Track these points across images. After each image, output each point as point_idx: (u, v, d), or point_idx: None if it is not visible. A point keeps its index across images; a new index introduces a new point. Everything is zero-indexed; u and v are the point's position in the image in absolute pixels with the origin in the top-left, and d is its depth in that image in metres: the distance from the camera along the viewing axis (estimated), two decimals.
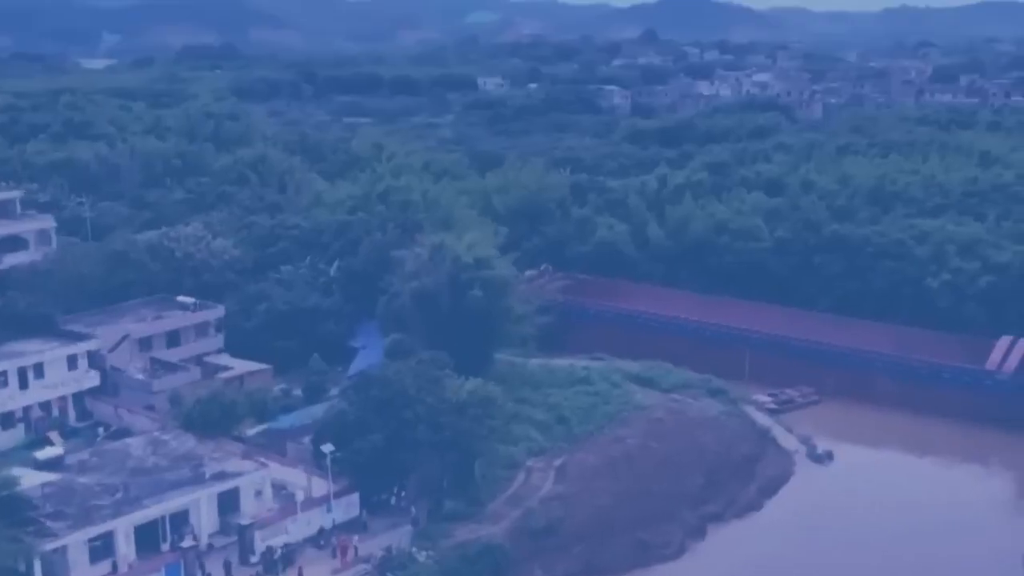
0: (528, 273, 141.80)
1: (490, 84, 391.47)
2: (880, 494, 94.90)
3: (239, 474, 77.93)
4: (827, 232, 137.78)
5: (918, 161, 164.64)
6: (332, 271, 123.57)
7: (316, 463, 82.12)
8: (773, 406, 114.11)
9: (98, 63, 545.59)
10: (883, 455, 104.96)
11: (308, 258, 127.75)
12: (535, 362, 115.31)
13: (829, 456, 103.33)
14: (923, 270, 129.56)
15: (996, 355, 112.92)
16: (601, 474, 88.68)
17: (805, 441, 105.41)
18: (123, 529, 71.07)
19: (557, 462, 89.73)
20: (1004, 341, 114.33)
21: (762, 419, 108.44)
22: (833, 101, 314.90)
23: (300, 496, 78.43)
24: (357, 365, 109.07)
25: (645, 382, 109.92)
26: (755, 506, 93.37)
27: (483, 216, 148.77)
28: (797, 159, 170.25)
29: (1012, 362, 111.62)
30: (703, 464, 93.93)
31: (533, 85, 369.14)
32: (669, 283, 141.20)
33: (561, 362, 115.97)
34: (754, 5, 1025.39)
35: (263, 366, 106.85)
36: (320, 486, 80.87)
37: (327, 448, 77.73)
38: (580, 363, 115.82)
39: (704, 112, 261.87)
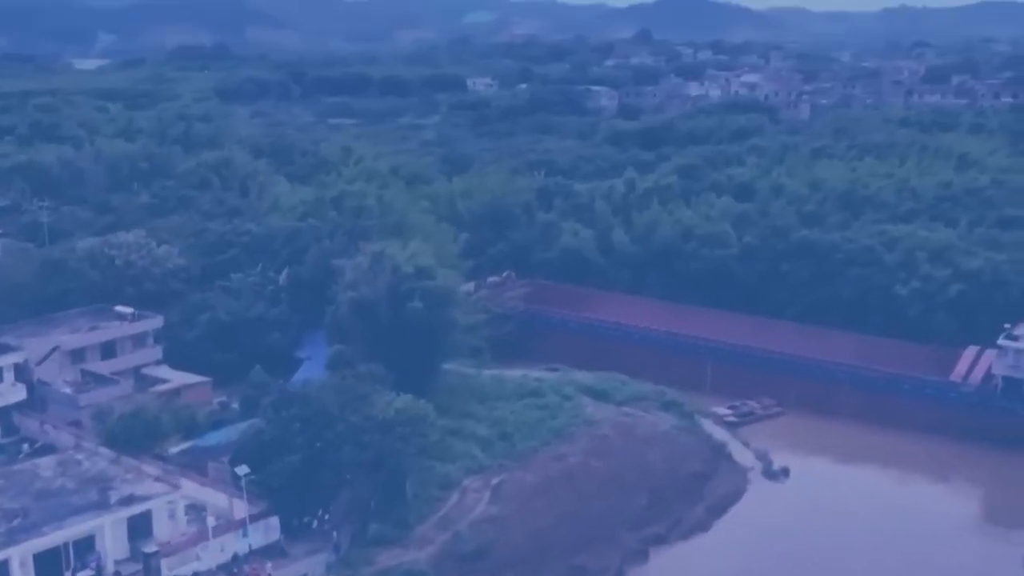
0: (490, 279, 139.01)
1: (479, 84, 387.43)
2: (835, 511, 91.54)
3: (148, 497, 74.28)
4: (795, 238, 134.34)
5: (894, 164, 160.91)
6: (281, 279, 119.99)
7: (237, 484, 78.42)
8: (733, 419, 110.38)
9: (90, 63, 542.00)
10: (842, 470, 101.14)
11: (260, 266, 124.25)
12: (489, 373, 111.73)
13: (785, 472, 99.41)
14: (892, 277, 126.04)
15: (961, 366, 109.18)
16: (539, 494, 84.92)
17: (762, 456, 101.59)
18: (19, 557, 67.40)
19: (494, 481, 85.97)
20: (970, 351, 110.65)
21: (718, 433, 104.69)
22: (824, 102, 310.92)
23: (212, 521, 74.70)
24: (300, 377, 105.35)
25: (598, 395, 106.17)
26: (702, 527, 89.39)
27: (446, 221, 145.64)
28: (770, 163, 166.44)
29: (978, 373, 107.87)
30: (648, 483, 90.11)
31: (523, 85, 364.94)
32: (635, 290, 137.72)
33: (515, 373, 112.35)
34: (753, 5, 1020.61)
35: (202, 378, 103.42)
36: (242, 508, 77.28)
37: (241, 470, 74.13)
38: (534, 374, 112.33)
39: (688, 113, 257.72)
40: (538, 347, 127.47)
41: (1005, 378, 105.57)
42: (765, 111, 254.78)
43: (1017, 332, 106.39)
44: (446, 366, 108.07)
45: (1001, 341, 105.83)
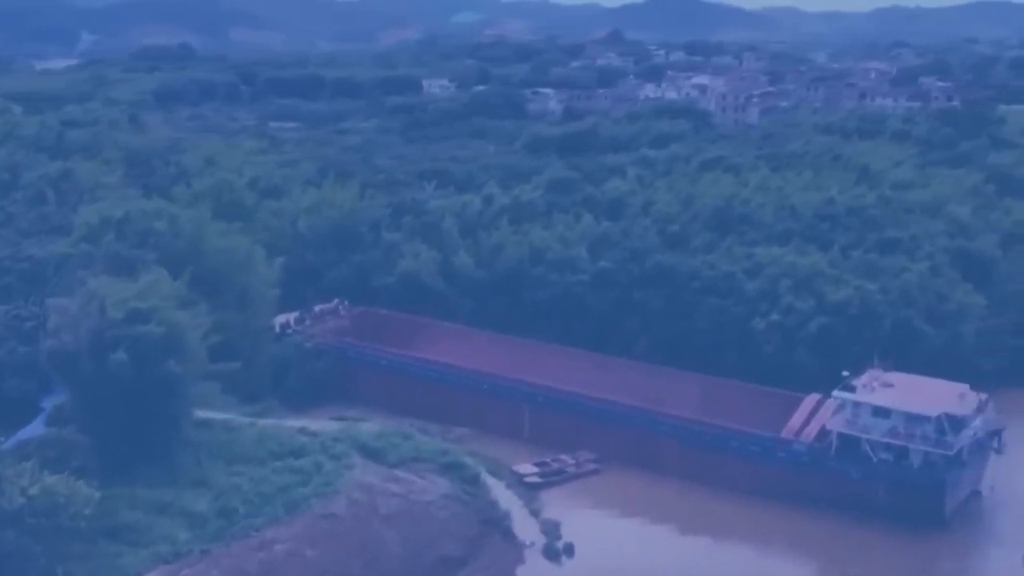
0: (317, 308, 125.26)
1: (435, 87, 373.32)
2: None
3: None
4: (651, 263, 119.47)
5: (791, 177, 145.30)
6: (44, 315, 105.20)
7: None
8: (536, 479, 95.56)
9: (42, 64, 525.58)
10: (645, 543, 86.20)
11: (31, 297, 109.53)
12: (266, 423, 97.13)
13: (569, 551, 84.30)
14: (752, 309, 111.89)
15: (796, 420, 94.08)
16: None
17: (549, 530, 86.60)
18: None
19: None
20: (809, 401, 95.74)
21: (506, 500, 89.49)
22: (784, 104, 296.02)
23: None
24: (31, 431, 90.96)
25: (372, 453, 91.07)
26: None
27: (287, 241, 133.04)
28: (654, 175, 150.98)
29: (813, 428, 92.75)
30: (376, 575, 75.12)
31: (481, 87, 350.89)
32: (478, 320, 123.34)
33: (292, 425, 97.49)
34: (746, 5, 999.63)
35: None
36: None
37: None
38: (314, 426, 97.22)
39: (615, 119, 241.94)
40: (351, 388, 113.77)
41: (840, 435, 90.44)
42: (698, 115, 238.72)
43: (857, 382, 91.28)
44: (212, 416, 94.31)
45: (837, 393, 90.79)
